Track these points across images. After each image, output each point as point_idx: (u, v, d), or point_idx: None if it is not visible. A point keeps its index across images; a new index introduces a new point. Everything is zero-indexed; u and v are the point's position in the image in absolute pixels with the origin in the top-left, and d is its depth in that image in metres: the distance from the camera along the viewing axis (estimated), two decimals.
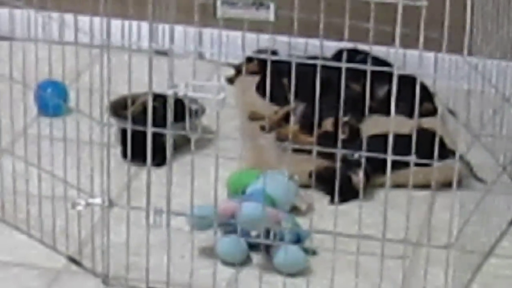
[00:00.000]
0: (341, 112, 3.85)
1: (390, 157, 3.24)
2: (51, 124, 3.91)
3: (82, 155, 3.51)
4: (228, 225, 3.47)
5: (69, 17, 4.35)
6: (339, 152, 3.63)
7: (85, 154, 3.49)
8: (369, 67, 3.35)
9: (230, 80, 4.57)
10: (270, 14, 3.14)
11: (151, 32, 3.24)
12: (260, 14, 3.17)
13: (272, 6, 3.13)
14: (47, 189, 3.58)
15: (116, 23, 3.18)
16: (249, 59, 4.59)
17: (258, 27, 3.53)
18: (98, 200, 3.40)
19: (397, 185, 3.36)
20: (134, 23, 3.81)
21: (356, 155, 3.81)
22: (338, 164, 3.62)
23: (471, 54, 3.15)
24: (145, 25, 3.37)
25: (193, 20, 3.50)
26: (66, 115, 4.05)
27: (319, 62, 3.31)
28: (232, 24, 3.30)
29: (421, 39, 3.08)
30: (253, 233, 3.48)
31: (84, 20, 4.44)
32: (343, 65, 3.29)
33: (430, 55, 3.71)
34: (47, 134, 3.84)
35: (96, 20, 3.49)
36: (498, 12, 3.44)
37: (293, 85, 3.51)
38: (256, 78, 4.47)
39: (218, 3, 3.16)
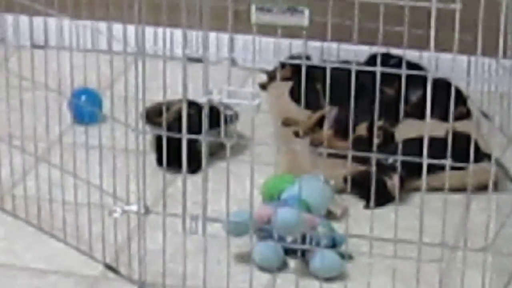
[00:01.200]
0: (375, 117, 3.84)
1: (425, 161, 3.19)
2: (86, 132, 3.89)
3: (118, 162, 3.47)
4: (264, 231, 3.45)
5: (102, 25, 4.34)
6: (374, 156, 3.63)
7: (120, 161, 3.47)
8: (403, 71, 3.30)
9: (263, 86, 4.54)
10: (304, 20, 3.12)
11: (184, 39, 3.22)
12: (294, 19, 3.16)
13: (306, 11, 3.11)
14: (83, 197, 3.57)
15: (149, 30, 3.16)
16: (282, 65, 4.55)
17: (290, 32, 3.52)
18: (134, 207, 3.38)
19: (432, 189, 3.34)
20: (168, 30, 3.78)
21: (390, 160, 3.77)
22: (373, 169, 3.61)
23: (505, 57, 3.10)
24: (178, 32, 3.35)
25: (225, 26, 3.51)
26: (101, 123, 4.04)
27: (353, 67, 3.26)
28: (264, 30, 3.29)
29: (456, 43, 3.05)
30: (289, 238, 3.46)
31: (117, 28, 4.41)
32: (377, 69, 3.24)
33: (464, 58, 3.68)
34: (82, 142, 3.82)
35: (130, 28, 3.48)
36: None
37: (327, 90, 3.51)
38: (289, 84, 4.42)
39: (253, 9, 3.15)
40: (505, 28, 3.11)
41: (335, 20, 3.35)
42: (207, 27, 3.26)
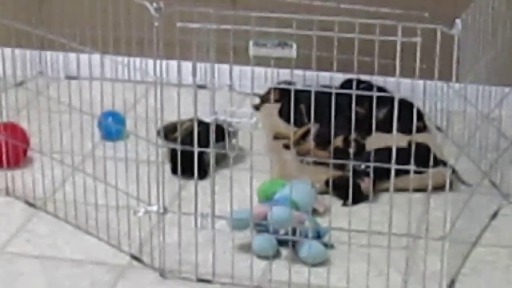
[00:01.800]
0: (352, 131, 3.89)
1: (393, 167, 3.23)
2: (114, 147, 3.87)
3: (140, 171, 3.47)
4: (261, 226, 3.44)
5: (125, 59, 4.32)
6: (350, 163, 3.62)
7: (142, 170, 3.44)
8: (374, 93, 3.39)
9: (257, 107, 4.52)
10: (293, 52, 3.10)
11: (194, 70, 3.20)
12: (285, 52, 3.14)
13: (294, 45, 3.10)
14: (111, 200, 3.54)
15: (165, 63, 3.12)
16: (272, 90, 4.54)
17: (278, 63, 3.51)
18: (154, 208, 3.37)
19: (398, 189, 3.31)
20: (180, 63, 3.74)
21: (363, 166, 3.76)
22: (349, 174, 3.60)
23: (457, 81, 3.08)
24: (188, 64, 3.32)
25: (225, 59, 3.48)
26: (125, 139, 4.06)
27: (333, 91, 3.29)
28: (257, 60, 3.26)
29: (417, 69, 3.03)
30: (282, 231, 3.47)
31: (137, 60, 4.39)
32: (353, 92, 3.27)
33: (421, 82, 3.65)
34: (110, 155, 3.81)
35: (149, 61, 3.45)
36: (482, 44, 3.38)
37: (310, 110, 3.49)
38: (278, 105, 4.40)
39: (251, 44, 3.13)
40: (457, 58, 3.08)
41: (316, 52, 3.32)
42: (214, 60, 3.25)
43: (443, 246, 3.26)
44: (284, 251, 3.51)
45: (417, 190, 3.32)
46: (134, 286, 3.34)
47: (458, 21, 3.06)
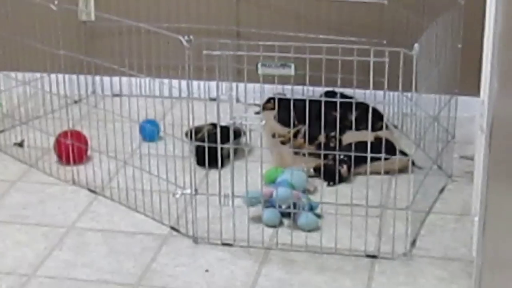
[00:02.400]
0: (329, 130, 4.01)
1: (369, 155, 3.34)
2: (152, 146, 4.01)
3: (176, 164, 3.52)
4: (268, 202, 3.48)
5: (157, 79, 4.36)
6: (331, 154, 3.76)
7: (177, 163, 3.53)
8: (354, 101, 3.59)
9: (257, 113, 4.55)
10: (291, 71, 3.15)
11: (218, 87, 3.25)
12: (285, 71, 3.19)
13: (292, 66, 3.15)
14: (155, 185, 3.59)
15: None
16: (268, 100, 4.56)
17: (269, 79, 3.55)
18: (188, 191, 3.43)
19: (371, 173, 3.37)
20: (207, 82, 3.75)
21: (342, 156, 3.81)
22: (331, 162, 3.69)
23: (410, 91, 3.14)
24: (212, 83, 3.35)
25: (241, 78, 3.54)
26: (159, 140, 4.20)
27: (323, 99, 3.43)
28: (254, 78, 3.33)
29: (385, 83, 3.09)
30: (284, 206, 3.51)
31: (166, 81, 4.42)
32: (338, 100, 3.40)
33: (381, 92, 3.68)
34: (151, 152, 3.90)
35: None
36: (430, 62, 3.42)
37: (298, 115, 3.60)
38: (273, 112, 4.43)
39: (259, 65, 3.17)
40: (416, 75, 3.13)
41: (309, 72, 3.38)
42: (233, 79, 3.31)
43: (407, 214, 3.33)
44: (286, 221, 3.55)
45: (384, 173, 3.34)
46: (174, 250, 3.36)
47: (416, 45, 3.11)
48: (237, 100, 4.53)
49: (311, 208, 3.54)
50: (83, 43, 4.60)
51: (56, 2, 3.64)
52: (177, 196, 3.53)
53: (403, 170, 3.63)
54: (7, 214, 3.61)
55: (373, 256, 3.31)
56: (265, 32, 4.40)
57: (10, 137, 4.25)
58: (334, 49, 3.25)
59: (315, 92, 4.45)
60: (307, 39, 4.22)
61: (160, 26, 4.19)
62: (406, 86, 3.25)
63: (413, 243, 3.39)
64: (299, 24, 4.35)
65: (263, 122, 3.74)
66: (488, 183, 2.43)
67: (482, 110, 3.46)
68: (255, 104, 4.62)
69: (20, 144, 4.15)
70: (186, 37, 3.21)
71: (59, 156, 4.02)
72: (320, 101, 3.55)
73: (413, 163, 3.78)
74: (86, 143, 4.01)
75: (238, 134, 3.82)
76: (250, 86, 3.94)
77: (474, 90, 3.54)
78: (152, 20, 4.46)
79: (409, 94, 3.84)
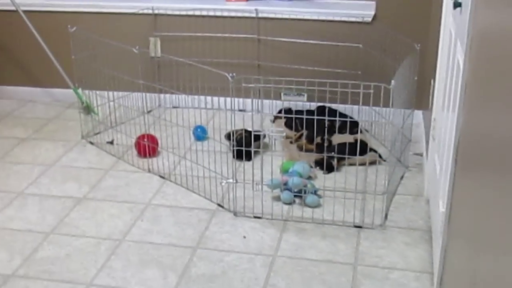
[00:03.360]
0: (323, 134, 3.73)
1: (356, 152, 3.05)
2: (202, 145, 3.75)
3: (220, 157, 3.34)
4: (285, 186, 3.28)
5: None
6: (325, 151, 3.50)
7: (220, 157, 3.35)
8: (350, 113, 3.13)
9: (273, 121, 4.32)
10: (304, 99, 2.95)
11: (252, 104, 3.08)
12: (300, 98, 2.98)
13: (305, 95, 2.94)
14: (206, 173, 3.42)
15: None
16: (279, 111, 4.33)
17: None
18: (231, 180, 3.23)
19: (352, 164, 3.22)
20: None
21: (333, 152, 3.61)
22: (325, 156, 3.46)
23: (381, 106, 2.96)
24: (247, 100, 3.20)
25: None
26: (207, 140, 3.90)
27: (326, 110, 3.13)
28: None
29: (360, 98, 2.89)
30: (296, 190, 3.29)
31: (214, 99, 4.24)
32: (326, 118, 3.11)
33: (357, 107, 3.50)
34: (200, 149, 3.73)
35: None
36: (400, 90, 3.23)
37: (301, 123, 3.39)
38: (282, 120, 4.19)
39: (282, 94, 2.96)
40: (392, 99, 2.93)
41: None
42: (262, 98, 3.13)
43: (384, 197, 3.16)
44: (297, 200, 3.34)
45: (361, 164, 3.19)
46: (221, 221, 3.18)
47: (393, 81, 2.90)
48: (258, 111, 4.35)
49: (315, 191, 3.33)
50: (152, 72, 4.40)
51: (137, 47, 3.47)
52: (224, 183, 3.36)
53: (373, 162, 3.57)
54: (103, 194, 3.41)
55: (359, 227, 3.12)
56: (277, 65, 4.25)
57: (103, 137, 4.05)
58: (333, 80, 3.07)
59: (311, 106, 4.27)
60: (307, 71, 4.10)
61: (204, 61, 4.06)
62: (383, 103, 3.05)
63: (386, 216, 3.20)
64: (301, 59, 4.20)
65: (284, 134, 3.54)
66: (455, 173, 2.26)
67: (433, 123, 3.28)
68: (270, 115, 4.39)
69: (111, 142, 3.98)
70: (230, 74, 3.01)
71: (138, 152, 3.82)
72: (314, 113, 3.54)
73: (380, 157, 3.66)
74: (157, 143, 3.83)
75: (261, 137, 3.68)
76: (266, 101, 3.82)
77: (422, 106, 3.42)
78: (199, 55, 4.28)
79: (382, 109, 3.64)
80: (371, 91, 2.90)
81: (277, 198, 3.33)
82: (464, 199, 2.02)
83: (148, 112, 4.43)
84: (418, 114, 4.17)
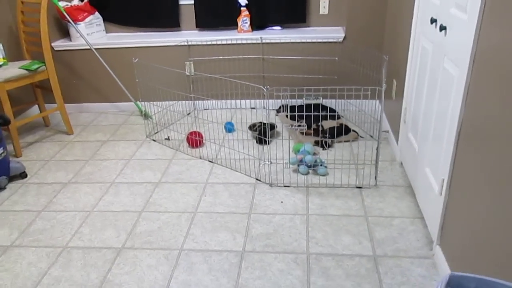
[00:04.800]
0: (317, 121, 3.36)
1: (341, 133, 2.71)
2: (232, 135, 3.35)
3: (246, 144, 2.96)
4: (301, 162, 2.94)
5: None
6: (321, 134, 3.16)
7: (249, 143, 2.93)
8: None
9: (276, 115, 3.95)
10: (320, 101, 2.58)
11: (267, 105, 2.68)
12: (317, 101, 2.61)
13: (321, 98, 2.57)
14: (241, 157, 3.00)
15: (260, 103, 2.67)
16: (280, 107, 3.96)
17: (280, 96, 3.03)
18: (267, 162, 2.87)
19: (339, 142, 2.87)
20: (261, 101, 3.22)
21: (327, 134, 3.27)
22: (323, 138, 3.12)
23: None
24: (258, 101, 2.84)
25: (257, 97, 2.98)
26: (235, 131, 3.47)
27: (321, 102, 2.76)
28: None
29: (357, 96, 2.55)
30: (309, 164, 2.92)
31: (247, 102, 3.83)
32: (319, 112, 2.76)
33: (334, 100, 3.17)
34: (231, 138, 3.29)
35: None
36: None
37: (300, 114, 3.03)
38: (284, 113, 3.82)
39: (304, 98, 2.59)
40: (383, 94, 2.60)
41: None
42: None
43: (376, 164, 2.83)
44: (311, 171, 2.98)
45: (346, 141, 2.82)
46: (261, 191, 2.83)
47: (384, 85, 2.58)
48: (264, 108, 3.98)
49: (321, 163, 2.99)
50: (189, 85, 3.96)
51: (189, 71, 3.03)
52: (262, 164, 3.00)
53: (355, 139, 3.26)
54: (172, 178, 3.02)
55: (359, 187, 2.81)
56: (277, 75, 3.85)
57: (161, 135, 3.62)
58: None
59: (302, 102, 3.92)
60: (298, 78, 3.76)
61: (225, 75, 3.67)
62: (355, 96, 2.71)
63: (375, 178, 2.87)
64: (294, 70, 3.81)
65: (305, 127, 3.18)
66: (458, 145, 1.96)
67: (404, 111, 2.98)
68: (274, 110, 4.02)
69: (168, 139, 3.56)
70: (265, 87, 2.63)
71: (190, 144, 3.41)
72: (310, 107, 3.13)
73: (358, 135, 3.34)
74: (202, 136, 3.39)
75: (274, 126, 3.31)
76: (270, 101, 3.44)
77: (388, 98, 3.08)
78: (221, 72, 3.89)
79: (355, 101, 3.28)
80: (369, 92, 2.56)
81: (296, 171, 2.99)
82: (465, 167, 1.74)
83: (188, 114, 4.01)
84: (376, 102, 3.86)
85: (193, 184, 2.92)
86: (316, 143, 3.36)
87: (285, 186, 2.85)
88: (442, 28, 2.12)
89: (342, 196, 2.72)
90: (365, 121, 3.64)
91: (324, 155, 3.12)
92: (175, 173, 3.07)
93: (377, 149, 2.83)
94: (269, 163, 2.89)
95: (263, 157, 2.93)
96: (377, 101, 3.85)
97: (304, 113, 3.10)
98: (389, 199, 2.68)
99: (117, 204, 2.75)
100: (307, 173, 2.97)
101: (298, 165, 3.00)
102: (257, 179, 2.93)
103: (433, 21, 2.28)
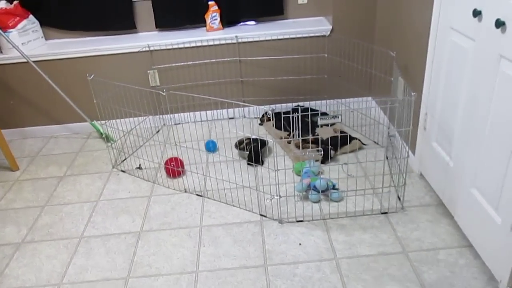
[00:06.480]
0: (311, 132, 2.90)
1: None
2: (212, 155, 2.81)
3: (237, 166, 2.45)
4: (309, 186, 2.49)
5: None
6: (320, 145, 2.70)
7: (235, 165, 2.43)
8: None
9: (260, 124, 3.44)
10: (339, 120, 2.09)
11: (253, 112, 2.19)
12: (336, 120, 2.12)
13: (340, 117, 2.08)
14: (232, 186, 2.48)
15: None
16: (263, 115, 3.48)
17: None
18: (276, 196, 2.40)
19: (343, 153, 2.45)
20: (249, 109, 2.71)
21: (329, 146, 2.83)
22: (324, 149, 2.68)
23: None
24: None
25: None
26: (217, 151, 2.93)
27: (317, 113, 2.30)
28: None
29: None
30: (321, 189, 2.46)
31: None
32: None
33: (319, 102, 2.78)
34: (211, 160, 2.77)
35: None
36: None
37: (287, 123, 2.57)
38: (271, 122, 3.33)
39: (319, 119, 2.10)
40: (394, 96, 2.17)
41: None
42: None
43: (403, 188, 2.40)
44: (323, 197, 2.53)
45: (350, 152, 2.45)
46: (271, 230, 2.35)
47: (399, 96, 2.13)
48: (244, 116, 3.47)
49: (333, 186, 2.52)
50: (153, 98, 3.36)
51: (164, 90, 2.48)
52: (268, 201, 2.49)
53: (360, 148, 2.87)
54: (157, 223, 2.46)
55: (385, 213, 2.39)
56: (257, 79, 3.35)
57: (130, 163, 3.04)
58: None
59: (288, 107, 3.45)
60: (282, 81, 3.32)
61: (197, 84, 3.13)
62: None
63: (399, 198, 2.47)
64: (276, 72, 3.39)
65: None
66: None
67: (425, 117, 2.56)
68: (257, 118, 3.53)
69: (140, 168, 2.95)
70: (270, 107, 2.13)
71: (168, 173, 2.81)
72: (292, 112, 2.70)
73: (362, 143, 2.92)
74: (182, 164, 2.84)
75: (266, 142, 2.84)
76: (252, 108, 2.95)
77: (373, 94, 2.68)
78: (192, 80, 3.34)
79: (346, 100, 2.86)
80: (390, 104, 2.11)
81: (306, 198, 2.54)
82: None
83: (157, 131, 3.40)
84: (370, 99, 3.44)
85: (184, 230, 2.37)
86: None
87: (298, 221, 2.37)
88: (500, 23, 1.68)
89: (368, 228, 2.28)
90: (363, 123, 3.22)
91: (329, 173, 2.66)
92: (159, 216, 2.50)
93: (403, 170, 2.42)
94: (278, 197, 2.39)
95: (261, 183, 2.43)
96: (370, 98, 3.43)
97: (295, 117, 2.62)
98: (424, 225, 2.27)
99: (93, 270, 2.16)
100: (319, 201, 2.50)
101: (306, 191, 2.52)
102: (261, 215, 2.43)
103: (476, 13, 1.84)
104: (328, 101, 3.41)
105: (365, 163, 2.69)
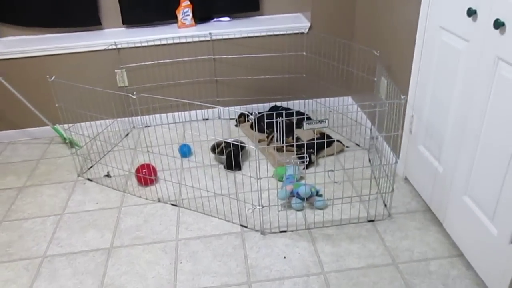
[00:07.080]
0: (291, 133, 2.76)
1: (321, 145, 2.18)
2: (187, 160, 2.64)
3: (215, 171, 2.29)
4: (291, 193, 2.35)
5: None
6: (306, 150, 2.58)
7: (218, 170, 2.27)
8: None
9: (236, 126, 3.28)
10: (326, 124, 1.95)
11: (229, 113, 2.05)
12: (322, 125, 1.98)
13: (327, 121, 1.95)
14: (209, 194, 2.32)
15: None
16: (240, 116, 3.33)
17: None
18: (258, 207, 2.24)
19: (324, 156, 2.33)
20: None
21: (311, 149, 2.72)
22: (305, 153, 2.55)
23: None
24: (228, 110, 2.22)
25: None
26: (192, 156, 2.76)
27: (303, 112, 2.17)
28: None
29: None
30: (307, 197, 2.32)
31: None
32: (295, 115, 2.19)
33: (297, 101, 2.64)
34: (186, 166, 2.59)
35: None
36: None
37: (268, 124, 2.42)
38: (248, 124, 3.18)
39: (305, 124, 1.96)
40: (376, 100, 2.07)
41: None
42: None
43: (388, 196, 2.30)
44: (308, 205, 2.39)
45: (330, 155, 2.31)
46: (253, 242, 2.21)
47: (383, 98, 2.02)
48: (219, 117, 3.31)
49: (317, 192, 2.40)
50: (121, 100, 3.16)
51: (134, 93, 2.29)
52: (250, 211, 2.33)
53: (340, 151, 2.75)
54: (129, 238, 2.27)
55: (372, 220, 2.28)
56: (233, 78, 3.20)
57: (97, 170, 2.81)
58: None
59: (265, 107, 3.30)
60: (259, 80, 3.19)
61: (168, 84, 2.95)
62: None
63: (385, 205, 2.36)
64: (253, 71, 3.27)
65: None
66: None
67: (411, 119, 2.46)
68: (233, 119, 3.37)
69: (108, 175, 2.72)
70: (253, 113, 1.97)
71: (140, 182, 2.61)
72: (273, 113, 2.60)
73: (344, 146, 2.81)
74: (154, 171, 2.64)
75: (244, 146, 2.70)
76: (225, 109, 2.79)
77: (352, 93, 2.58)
78: (163, 79, 3.15)
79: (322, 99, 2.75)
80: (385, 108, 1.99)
81: (288, 206, 2.40)
82: None
83: (127, 135, 3.19)
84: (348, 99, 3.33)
85: (159, 245, 2.18)
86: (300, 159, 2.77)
87: (281, 231, 2.23)
88: (499, 24, 1.58)
89: (356, 237, 2.17)
90: (343, 124, 3.11)
91: (311, 178, 2.53)
92: (131, 230, 2.30)
93: (391, 180, 2.31)
94: (261, 207, 2.24)
95: (242, 190, 2.27)
96: (350, 98, 3.32)
97: (279, 122, 2.48)
98: (412, 233, 2.17)
99: None
100: (302, 209, 2.36)
101: (289, 198, 2.38)
102: (242, 225, 2.27)
103: (471, 13, 1.73)
104: (306, 100, 3.29)
105: (350, 168, 2.57)
